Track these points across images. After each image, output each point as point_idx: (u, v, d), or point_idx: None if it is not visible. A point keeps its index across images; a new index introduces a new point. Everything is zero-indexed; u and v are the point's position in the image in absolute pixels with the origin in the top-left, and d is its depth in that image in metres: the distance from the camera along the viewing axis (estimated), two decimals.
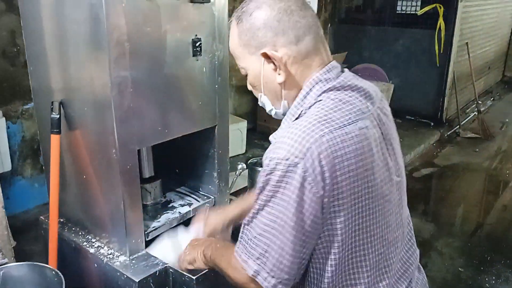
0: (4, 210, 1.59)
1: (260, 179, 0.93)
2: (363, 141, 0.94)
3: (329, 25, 6.62)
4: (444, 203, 4.47)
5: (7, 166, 2.97)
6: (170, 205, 1.64)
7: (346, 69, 1.10)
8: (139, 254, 1.41)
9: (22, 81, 3.24)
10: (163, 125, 1.38)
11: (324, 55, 1.06)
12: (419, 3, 5.81)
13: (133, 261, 1.38)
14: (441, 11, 5.59)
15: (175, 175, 1.76)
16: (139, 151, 1.56)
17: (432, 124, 6.07)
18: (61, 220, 1.61)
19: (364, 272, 0.99)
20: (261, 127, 5.47)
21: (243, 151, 4.79)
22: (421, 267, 1.33)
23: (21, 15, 1.45)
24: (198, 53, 1.42)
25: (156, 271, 1.34)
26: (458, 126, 6.11)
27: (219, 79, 1.52)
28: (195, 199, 1.67)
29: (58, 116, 1.39)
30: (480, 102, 6.40)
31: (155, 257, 1.41)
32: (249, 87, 1.11)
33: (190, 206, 1.62)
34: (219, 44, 1.48)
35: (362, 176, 0.93)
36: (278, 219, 0.91)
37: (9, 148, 3.13)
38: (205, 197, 1.66)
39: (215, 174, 1.62)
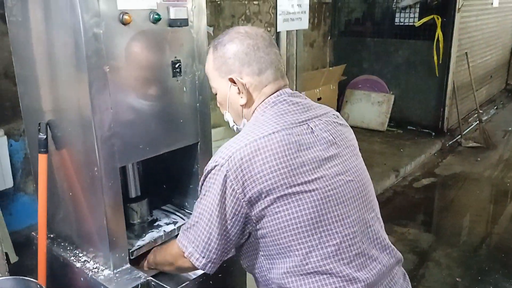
0: None
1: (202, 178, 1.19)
2: (288, 145, 1.13)
3: (329, 37, 6.70)
4: (444, 213, 4.47)
5: (9, 183, 3.06)
6: (156, 223, 1.69)
7: (297, 92, 1.23)
8: (123, 268, 1.46)
9: None
10: (144, 143, 1.44)
11: (282, 84, 1.26)
12: (417, 15, 5.88)
13: (117, 275, 1.43)
14: (438, 22, 5.65)
15: (162, 192, 1.81)
16: (125, 171, 1.64)
17: (433, 134, 6.09)
18: (51, 236, 1.67)
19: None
20: None
21: None
22: (406, 275, 1.37)
23: (10, 40, 1.53)
24: (178, 74, 1.48)
25: (138, 284, 1.39)
26: (459, 136, 6.12)
27: (200, 97, 1.58)
28: (180, 217, 1.72)
29: (45, 136, 1.46)
30: (481, 111, 6.41)
31: (138, 270, 1.46)
32: (218, 104, 1.34)
33: (175, 225, 1.67)
34: (199, 65, 1.55)
35: (288, 175, 1.10)
36: (207, 210, 1.15)
37: (12, 165, 3.21)
38: (190, 215, 1.70)
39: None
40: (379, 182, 4.69)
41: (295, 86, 3.12)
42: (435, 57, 5.73)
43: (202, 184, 1.20)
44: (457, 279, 3.24)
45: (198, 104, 1.57)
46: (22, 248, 3.04)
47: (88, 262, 1.50)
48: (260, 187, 1.09)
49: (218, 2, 4.89)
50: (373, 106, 6.28)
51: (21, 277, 1.28)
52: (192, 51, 1.52)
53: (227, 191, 1.12)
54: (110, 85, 1.31)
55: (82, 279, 1.47)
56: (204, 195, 1.18)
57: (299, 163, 1.12)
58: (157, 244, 1.58)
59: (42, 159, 1.47)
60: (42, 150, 1.46)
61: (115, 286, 1.37)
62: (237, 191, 1.11)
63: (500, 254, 3.59)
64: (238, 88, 1.23)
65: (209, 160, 1.64)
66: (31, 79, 1.51)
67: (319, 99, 5.57)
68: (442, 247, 3.67)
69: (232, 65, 1.21)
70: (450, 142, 6.02)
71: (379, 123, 6.23)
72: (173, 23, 1.42)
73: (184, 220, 1.69)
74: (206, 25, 1.56)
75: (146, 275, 1.43)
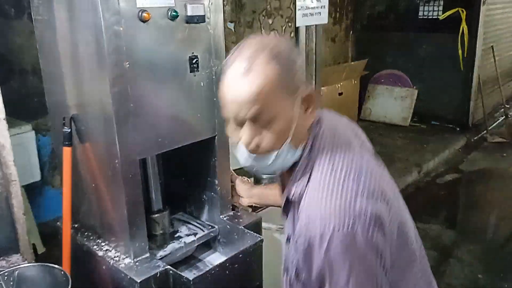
0: (24, 217, 1.74)
1: (317, 262, 0.92)
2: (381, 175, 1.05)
3: (351, 32, 6.65)
4: (467, 210, 4.40)
5: (36, 176, 3.17)
6: (177, 235, 1.74)
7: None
8: (143, 257, 1.51)
9: None
10: (163, 137, 1.48)
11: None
12: (441, 8, 5.78)
13: (137, 263, 1.48)
14: (463, 15, 5.54)
15: (181, 186, 1.86)
16: (147, 182, 1.70)
17: (458, 129, 5.99)
18: (76, 226, 1.74)
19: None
20: None
21: None
22: None
23: (37, 38, 1.60)
24: (195, 69, 1.52)
25: (157, 273, 1.44)
26: (485, 131, 6.00)
27: (217, 92, 1.61)
28: (201, 228, 1.77)
29: (69, 130, 1.53)
30: (508, 106, 6.26)
31: (157, 259, 1.51)
32: (264, 145, 0.99)
33: (195, 236, 1.72)
34: (216, 60, 1.58)
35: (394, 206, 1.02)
36: (370, 279, 0.92)
37: (40, 159, 3.33)
38: (210, 227, 1.77)
39: (216, 181, 1.71)
40: (401, 178, 4.65)
41: (314, 81, 3.13)
42: (460, 51, 5.63)
43: (331, 266, 0.91)
44: (479, 275, 3.20)
45: (215, 99, 1.61)
46: (49, 239, 3.16)
47: (110, 251, 1.57)
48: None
49: None
50: (396, 101, 6.21)
51: (46, 264, 1.35)
52: (209, 46, 1.55)
53: (377, 246, 0.92)
54: (130, 80, 1.35)
55: (104, 267, 1.53)
56: (352, 272, 0.90)
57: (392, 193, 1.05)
58: (177, 255, 1.63)
59: (66, 152, 1.54)
60: (66, 143, 1.53)
61: (135, 274, 1.42)
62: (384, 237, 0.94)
63: None
64: (307, 104, 1.00)
65: (225, 154, 1.70)
66: (56, 75, 1.57)
67: (340, 94, 5.55)
68: (465, 244, 3.63)
69: (300, 78, 0.98)
70: (475, 138, 5.91)
71: (402, 118, 6.16)
72: (190, 20, 1.46)
73: (203, 231, 1.74)
74: (223, 21, 1.59)
75: (164, 264, 1.48)
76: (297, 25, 2.90)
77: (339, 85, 5.49)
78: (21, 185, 1.77)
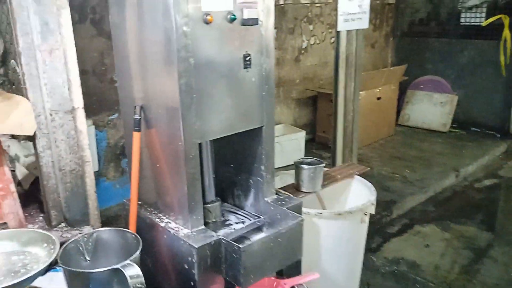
0: (95, 194, 2.00)
1: None
2: None
3: (391, 38, 6.73)
4: (504, 214, 4.41)
5: (95, 167, 3.49)
6: (227, 222, 1.96)
7: None
8: (199, 228, 1.74)
9: (108, 95, 3.79)
10: (219, 124, 1.71)
11: None
12: (483, 15, 5.79)
13: (194, 233, 1.71)
14: (506, 21, 5.54)
15: (230, 171, 2.08)
16: (202, 169, 1.91)
17: (499, 136, 5.95)
18: (139, 203, 1.99)
19: None
20: (320, 138, 5.71)
21: None
22: None
23: (113, 39, 1.87)
24: (248, 66, 1.74)
25: (212, 241, 1.66)
26: None
27: (266, 87, 1.83)
28: (248, 218, 1.98)
29: (139, 117, 1.78)
30: None
31: (211, 231, 1.73)
32: None
33: (244, 224, 1.93)
34: (266, 58, 1.80)
35: None
36: None
37: (97, 153, 3.65)
38: (256, 217, 1.98)
39: (263, 167, 1.92)
40: (438, 182, 4.71)
41: (353, 85, 3.29)
42: (502, 58, 5.61)
43: None
44: None
45: (264, 93, 1.82)
46: (103, 227, 3.46)
47: (170, 223, 1.80)
48: None
49: (282, 6, 5.15)
50: (436, 107, 6.24)
51: (120, 228, 1.59)
52: (261, 46, 1.77)
53: None
54: (193, 74, 1.59)
55: (165, 236, 1.76)
56: None
57: None
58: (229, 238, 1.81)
59: (136, 136, 1.79)
60: (136, 128, 1.78)
61: (193, 241, 1.64)
62: None
63: None
64: None
65: (271, 143, 1.91)
66: (128, 71, 1.83)
67: (378, 98, 5.66)
68: (500, 245, 3.67)
69: None
70: None
71: (441, 124, 6.18)
72: (245, 22, 1.69)
73: (250, 220, 1.95)
74: (273, 24, 1.80)
75: (218, 234, 1.70)
76: (338, 30, 3.08)
77: (377, 90, 5.59)
78: None
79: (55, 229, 1.94)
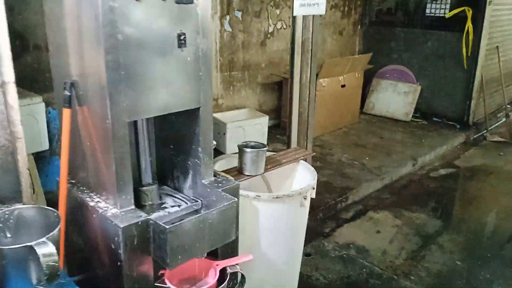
0: (28, 172, 1.95)
1: None
2: None
3: (359, 26, 6.76)
4: (456, 202, 4.54)
5: (45, 145, 3.41)
6: (163, 206, 1.94)
7: None
8: (128, 208, 1.71)
9: None
10: (151, 103, 1.68)
11: None
12: (448, 6, 5.87)
13: (122, 213, 1.68)
14: (469, 14, 5.63)
15: (169, 152, 2.06)
16: (139, 155, 1.91)
17: (458, 126, 6.10)
18: (73, 181, 1.95)
19: None
20: (285, 123, 5.72)
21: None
22: None
23: (45, 12, 1.80)
24: (183, 45, 1.71)
25: (139, 221, 1.64)
26: (485, 130, 6.09)
27: (203, 67, 1.80)
28: (185, 202, 1.96)
29: (69, 94, 1.73)
30: (509, 106, 6.33)
31: (141, 211, 1.71)
32: None
33: (179, 207, 1.91)
34: (203, 39, 1.77)
35: None
36: None
37: (49, 131, 3.56)
38: (193, 201, 1.97)
39: (200, 149, 1.90)
40: (396, 170, 4.80)
41: (309, 70, 3.29)
42: (464, 50, 5.72)
43: None
44: (457, 262, 3.35)
45: (201, 73, 1.80)
46: (55, 206, 3.40)
47: (100, 202, 1.77)
48: None
49: None
50: (399, 96, 6.33)
51: (41, 206, 1.56)
52: (197, 26, 1.74)
53: None
54: (122, 51, 1.55)
55: (94, 215, 1.74)
56: None
57: None
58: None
59: (66, 113, 1.74)
60: (66, 105, 1.73)
61: (119, 221, 1.62)
62: None
63: (506, 244, 3.66)
64: None
65: (208, 124, 1.89)
66: (60, 45, 1.78)
67: (343, 86, 5.69)
68: (448, 232, 3.78)
69: None
70: (475, 136, 6.01)
71: (404, 113, 6.27)
72: (179, 1, 1.65)
73: (187, 204, 1.94)
74: (210, 4, 1.77)
75: (146, 215, 1.69)
76: (294, 14, 3.06)
77: (341, 78, 5.63)
78: (30, 152, 1.97)
79: None
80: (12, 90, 1.85)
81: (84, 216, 1.80)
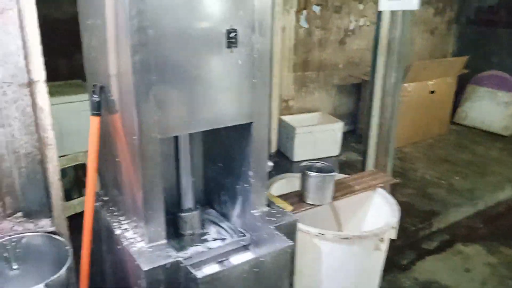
0: (60, 182, 1.72)
1: None
2: None
3: (454, 25, 6.01)
4: None
5: None
6: (204, 237, 1.61)
7: None
8: (158, 243, 1.40)
9: None
10: (188, 117, 1.34)
11: None
12: None
13: (150, 249, 1.37)
14: None
15: (218, 176, 1.72)
16: (179, 175, 1.60)
17: None
18: (105, 198, 1.69)
19: None
20: (361, 130, 5.20)
21: (337, 153, 4.61)
22: None
23: (79, 17, 1.55)
24: (233, 45, 1.35)
25: (167, 263, 1.32)
26: None
27: (258, 73, 1.43)
28: (231, 234, 1.62)
29: (98, 98, 1.44)
30: None
31: (172, 249, 1.39)
32: None
33: (223, 241, 1.57)
34: (260, 37, 1.39)
35: None
36: None
37: None
38: (240, 234, 1.61)
39: (251, 173, 1.54)
40: (491, 194, 4.12)
41: (394, 76, 2.80)
42: None
43: None
44: None
45: (254, 81, 1.43)
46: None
47: (128, 231, 1.48)
48: None
49: None
50: (498, 107, 5.51)
51: (52, 235, 1.29)
52: (252, 21, 1.37)
53: None
54: (154, 51, 1.22)
55: (118, 246, 1.45)
56: None
57: None
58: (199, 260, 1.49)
59: (93, 121, 1.46)
60: (94, 112, 1.45)
61: (143, 261, 1.31)
62: None
63: None
64: None
65: (262, 143, 1.52)
66: (89, 45, 1.51)
67: (432, 92, 5.04)
68: None
69: None
70: None
71: (503, 126, 5.45)
72: None
73: (232, 237, 1.60)
74: None
75: (177, 254, 1.36)
76: (379, 9, 2.59)
77: (431, 83, 4.97)
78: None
79: (8, 218, 1.68)
80: (42, 90, 1.62)
81: (110, 243, 1.52)
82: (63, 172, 3.10)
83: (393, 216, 1.89)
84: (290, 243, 1.42)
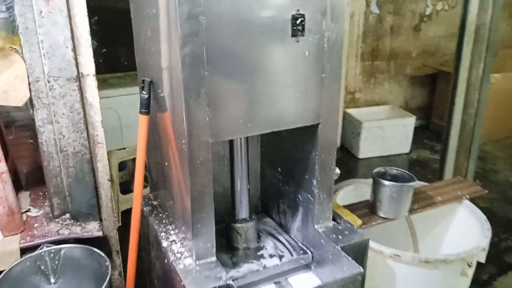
0: (109, 183, 1.61)
1: None
2: None
3: None
4: None
5: None
6: (260, 252, 1.43)
7: None
8: (207, 261, 1.23)
9: None
10: (245, 118, 1.15)
11: None
12: None
13: (198, 268, 1.21)
14: None
15: (277, 182, 1.53)
16: (234, 182, 1.42)
17: None
18: (155, 203, 1.56)
19: None
20: (435, 125, 4.78)
21: (407, 150, 4.26)
22: None
23: (132, 17, 1.41)
24: (300, 33, 1.13)
25: (216, 286, 1.15)
26: None
27: (328, 66, 1.21)
28: (290, 251, 1.42)
29: (147, 95, 1.30)
30: None
31: (222, 268, 1.22)
32: None
33: (280, 259, 1.38)
34: (331, 23, 1.17)
35: None
36: None
37: None
38: (301, 251, 1.41)
39: (315, 182, 1.33)
40: None
41: (482, 66, 2.44)
42: None
43: None
44: None
45: (323, 75, 1.21)
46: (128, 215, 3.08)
47: (176, 243, 1.33)
48: None
49: None
50: None
51: (92, 248, 1.16)
52: (323, 4, 1.14)
53: None
54: (206, 41, 1.04)
55: (165, 260, 1.30)
56: None
57: None
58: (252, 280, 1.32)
59: (142, 120, 1.32)
60: (143, 110, 1.31)
61: (189, 282, 1.15)
62: None
63: None
64: None
65: (330, 148, 1.30)
66: (138, 37, 1.37)
67: None
68: None
69: None
70: None
71: None
72: None
73: (291, 254, 1.40)
74: None
75: (228, 276, 1.18)
76: None
77: None
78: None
79: (56, 220, 1.60)
80: (91, 84, 1.51)
81: (157, 253, 1.39)
82: (122, 164, 3.06)
83: (484, 236, 1.60)
84: (360, 270, 1.20)
